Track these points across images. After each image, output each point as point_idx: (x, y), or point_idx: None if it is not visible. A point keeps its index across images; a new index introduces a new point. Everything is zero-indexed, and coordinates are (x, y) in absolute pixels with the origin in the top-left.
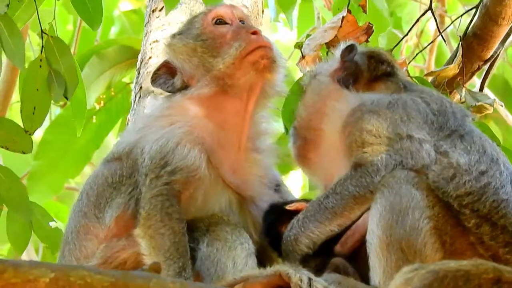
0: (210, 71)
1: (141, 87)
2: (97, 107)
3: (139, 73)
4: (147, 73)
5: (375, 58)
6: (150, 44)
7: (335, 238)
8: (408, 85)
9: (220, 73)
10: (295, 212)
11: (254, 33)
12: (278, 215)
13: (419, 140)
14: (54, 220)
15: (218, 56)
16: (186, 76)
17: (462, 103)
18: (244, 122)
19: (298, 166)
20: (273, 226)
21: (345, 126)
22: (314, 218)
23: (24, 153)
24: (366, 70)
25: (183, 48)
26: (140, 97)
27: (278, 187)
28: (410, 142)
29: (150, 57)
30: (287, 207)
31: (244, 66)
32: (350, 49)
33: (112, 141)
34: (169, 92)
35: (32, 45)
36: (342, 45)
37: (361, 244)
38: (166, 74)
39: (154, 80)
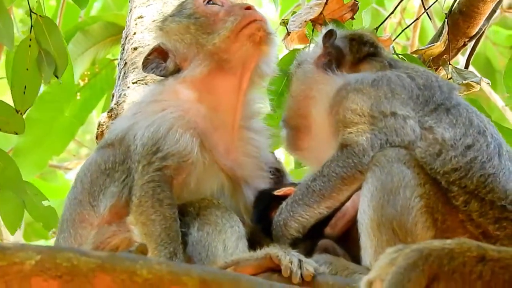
0: (204, 47)
1: (125, 63)
2: (82, 83)
3: (123, 49)
4: (131, 48)
5: (356, 40)
6: (134, 20)
7: (325, 221)
8: (393, 63)
9: (215, 48)
10: (284, 197)
11: (248, 8)
12: (267, 201)
13: (403, 117)
14: (46, 199)
15: (213, 33)
16: (178, 58)
17: (448, 79)
18: (238, 101)
19: (292, 155)
20: (263, 213)
21: (332, 106)
22: (303, 201)
23: (16, 133)
24: (349, 53)
25: (176, 28)
26: (124, 73)
27: (273, 170)
28: (394, 119)
29: (134, 33)
30: (275, 193)
31: (240, 39)
32: (330, 34)
33: (96, 117)
34: (161, 76)
35: (16, 22)
36: (323, 31)
37: (352, 225)
38: (157, 58)
39: (145, 66)
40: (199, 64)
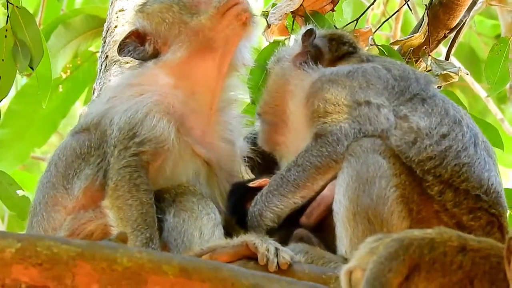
0: (187, 25)
1: (107, 56)
2: (64, 76)
3: (105, 42)
4: (113, 42)
5: (336, 40)
6: (116, 13)
7: (300, 210)
8: (371, 58)
9: (200, 25)
10: (259, 189)
11: None
12: (242, 193)
13: (377, 105)
14: (21, 189)
15: (198, 12)
16: (159, 41)
17: (428, 71)
18: (217, 85)
19: (268, 151)
20: (238, 205)
21: (307, 98)
22: (277, 192)
23: None
24: (328, 52)
25: (158, 8)
26: (106, 66)
27: (247, 158)
28: (368, 108)
29: (116, 26)
30: (250, 184)
31: (227, 18)
32: (309, 33)
33: (78, 110)
34: (139, 59)
35: None
36: (303, 29)
37: (327, 214)
38: (134, 42)
39: (121, 49)
40: (180, 46)
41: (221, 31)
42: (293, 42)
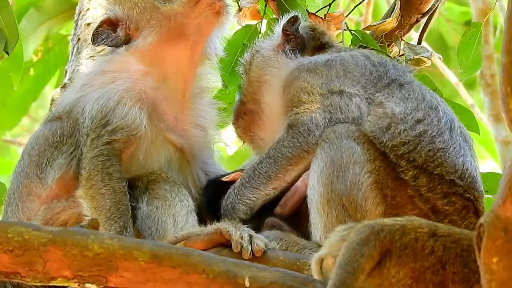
0: (159, 10)
1: (78, 39)
2: (35, 59)
3: (76, 25)
4: (84, 24)
5: (317, 30)
6: None
7: (275, 200)
8: (349, 49)
9: (172, 11)
10: (233, 183)
11: None
12: (216, 188)
13: (349, 94)
14: None
15: (171, 1)
16: (130, 27)
17: (401, 55)
18: (190, 73)
19: (245, 143)
20: (213, 200)
21: (283, 87)
22: (249, 184)
23: None
24: (311, 40)
25: None
26: (77, 48)
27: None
28: (339, 97)
29: (88, 9)
30: (224, 179)
31: (200, 7)
32: (294, 20)
33: (49, 93)
34: (112, 46)
35: None
36: (283, 19)
37: (301, 204)
38: (107, 30)
39: (95, 39)
40: (151, 31)
41: (194, 18)
42: (271, 35)
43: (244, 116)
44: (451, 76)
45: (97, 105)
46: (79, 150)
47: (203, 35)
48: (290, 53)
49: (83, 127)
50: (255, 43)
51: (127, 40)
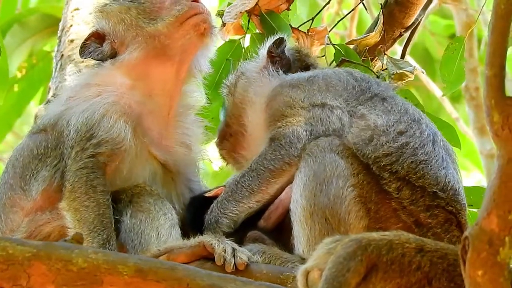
0: (143, 29)
1: (62, 55)
2: (19, 75)
3: (60, 41)
4: (68, 41)
5: (302, 52)
6: (71, 12)
7: (258, 213)
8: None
9: (156, 32)
10: (216, 198)
11: (195, 0)
12: (200, 204)
13: (330, 107)
14: None
15: (156, 18)
16: (116, 41)
17: (384, 70)
18: (175, 90)
19: (229, 165)
20: (197, 216)
21: (266, 103)
22: (232, 197)
23: None
24: (297, 61)
25: (117, 9)
26: (61, 65)
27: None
28: (321, 110)
29: (71, 25)
30: (207, 195)
31: (185, 28)
32: (280, 42)
33: (34, 109)
34: (98, 60)
35: None
36: (268, 41)
37: (285, 217)
38: (94, 43)
39: (82, 51)
40: (136, 47)
41: (177, 39)
42: (255, 57)
43: (229, 138)
44: (436, 90)
45: (82, 118)
46: (64, 162)
47: (188, 55)
48: (274, 72)
49: (68, 140)
50: (240, 65)
51: (113, 55)
